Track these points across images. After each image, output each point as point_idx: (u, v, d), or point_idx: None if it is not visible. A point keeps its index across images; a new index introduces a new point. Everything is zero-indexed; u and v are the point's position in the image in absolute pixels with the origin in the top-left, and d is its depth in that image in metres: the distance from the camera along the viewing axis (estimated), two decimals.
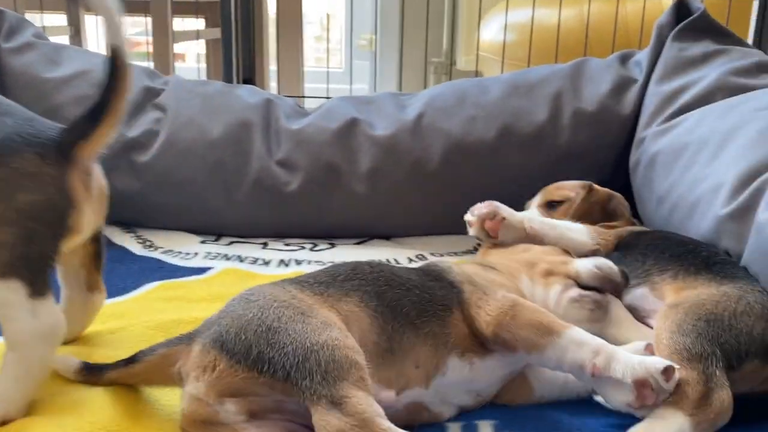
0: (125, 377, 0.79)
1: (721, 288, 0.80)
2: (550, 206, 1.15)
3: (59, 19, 2.74)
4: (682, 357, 0.72)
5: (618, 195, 1.17)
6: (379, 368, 0.70)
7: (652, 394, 0.68)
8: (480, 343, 0.78)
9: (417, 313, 0.75)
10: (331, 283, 0.76)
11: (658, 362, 0.69)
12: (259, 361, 0.65)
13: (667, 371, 0.68)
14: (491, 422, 0.77)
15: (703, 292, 0.80)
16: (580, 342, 0.72)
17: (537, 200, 1.19)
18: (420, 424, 0.76)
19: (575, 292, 0.87)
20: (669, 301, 0.81)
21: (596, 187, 1.16)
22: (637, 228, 1.10)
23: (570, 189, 1.16)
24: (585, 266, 0.88)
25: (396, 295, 0.75)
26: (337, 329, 0.68)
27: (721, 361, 0.71)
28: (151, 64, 2.37)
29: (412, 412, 0.75)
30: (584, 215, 1.08)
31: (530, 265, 0.91)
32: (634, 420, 0.72)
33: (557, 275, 0.89)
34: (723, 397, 0.70)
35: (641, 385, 0.67)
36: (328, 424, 0.61)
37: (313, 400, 0.63)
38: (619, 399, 0.69)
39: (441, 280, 0.81)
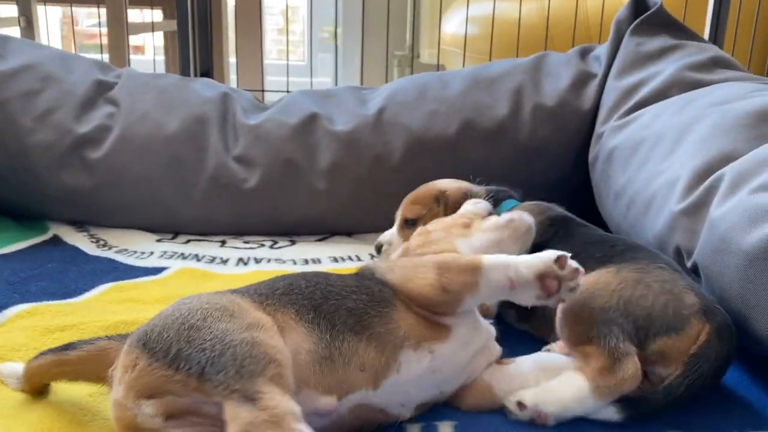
0: (53, 365, 0.75)
1: (619, 274, 0.81)
2: (407, 223, 1.16)
3: (9, 10, 2.64)
4: (582, 341, 0.77)
5: (470, 189, 1.15)
6: (319, 376, 0.69)
7: (554, 282, 0.74)
8: (434, 327, 0.77)
9: (356, 319, 0.74)
10: (270, 295, 0.74)
11: (551, 254, 0.75)
12: (176, 358, 0.64)
13: (560, 260, 0.74)
14: (451, 423, 0.77)
15: (600, 280, 0.81)
16: (494, 264, 0.77)
17: (398, 217, 1.20)
18: (378, 426, 0.74)
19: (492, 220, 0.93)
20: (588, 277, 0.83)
21: (447, 191, 1.15)
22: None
23: (423, 204, 1.16)
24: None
25: (332, 306, 0.74)
26: (263, 329, 0.67)
27: (623, 336, 0.75)
28: (106, 57, 2.31)
29: (362, 416, 0.73)
30: None
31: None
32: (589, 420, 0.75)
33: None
34: (627, 367, 0.74)
35: (542, 276, 0.74)
36: (237, 417, 0.60)
37: (225, 395, 0.61)
38: (530, 296, 0.75)
39: (373, 279, 0.81)
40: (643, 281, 0.79)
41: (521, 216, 0.92)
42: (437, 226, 0.96)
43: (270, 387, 0.62)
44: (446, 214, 1.13)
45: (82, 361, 0.74)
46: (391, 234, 1.20)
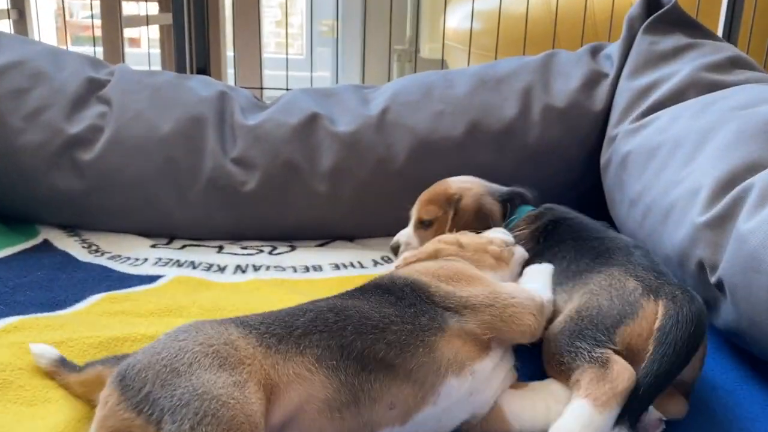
0: (77, 384, 0.77)
1: (587, 287, 0.81)
2: (423, 224, 1.14)
3: (0, 2, 2.58)
4: (565, 372, 0.75)
5: (484, 197, 1.11)
6: (338, 423, 0.63)
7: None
8: (477, 344, 0.72)
9: (396, 353, 0.67)
10: (286, 337, 0.66)
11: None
12: (143, 401, 0.60)
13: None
14: None
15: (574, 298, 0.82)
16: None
17: (413, 216, 1.17)
18: None
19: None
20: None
21: (462, 197, 1.11)
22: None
23: (439, 206, 1.13)
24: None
25: (367, 342, 0.67)
26: (244, 393, 0.60)
27: (592, 343, 0.74)
28: (100, 50, 2.25)
29: None
30: (460, 229, 1.03)
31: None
32: None
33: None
34: (614, 367, 0.72)
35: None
36: None
37: None
38: None
39: (420, 302, 0.73)
40: (586, 291, 0.80)
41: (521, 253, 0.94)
42: (470, 242, 0.92)
43: None
44: (455, 218, 1.10)
45: (85, 384, 0.75)
46: (407, 234, 1.16)
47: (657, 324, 0.74)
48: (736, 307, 0.83)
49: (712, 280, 0.87)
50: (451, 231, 1.05)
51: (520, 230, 1.03)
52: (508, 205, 1.10)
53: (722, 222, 0.87)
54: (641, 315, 0.75)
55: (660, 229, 1.01)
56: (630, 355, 0.74)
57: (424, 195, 1.16)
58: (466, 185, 1.14)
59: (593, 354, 0.73)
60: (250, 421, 0.59)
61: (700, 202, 0.92)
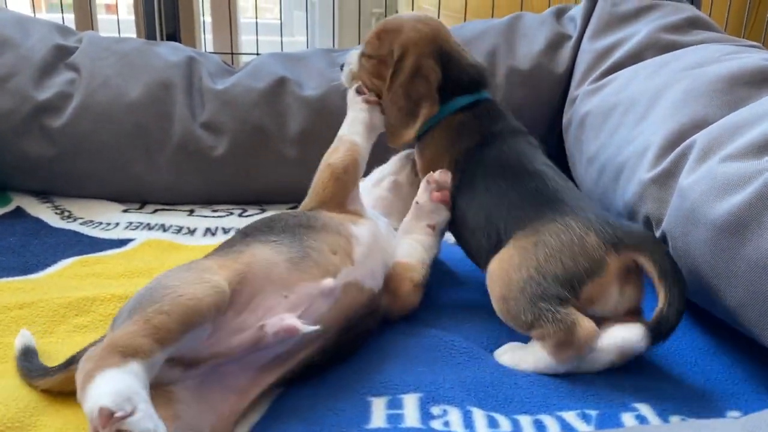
0: (63, 384, 0.73)
1: (516, 247, 0.81)
2: (366, 56, 1.02)
3: None
4: (528, 327, 0.79)
5: (425, 59, 0.96)
6: (306, 271, 0.76)
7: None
8: (351, 213, 0.92)
9: (305, 224, 0.84)
10: (231, 247, 0.79)
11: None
12: (118, 316, 0.67)
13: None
14: (416, 395, 0.76)
15: (504, 260, 0.82)
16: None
17: (364, 40, 1.04)
18: (359, 315, 0.81)
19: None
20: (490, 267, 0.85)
21: (408, 51, 0.96)
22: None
23: (384, 48, 0.99)
24: None
25: (284, 225, 0.83)
26: (201, 270, 0.69)
27: (554, 303, 0.76)
28: (71, 18, 2.23)
29: (350, 295, 0.80)
30: (395, 89, 0.96)
31: None
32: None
33: None
34: (579, 330, 0.75)
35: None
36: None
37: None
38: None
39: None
40: (540, 242, 0.79)
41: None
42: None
43: (130, 325, 0.62)
44: (393, 77, 0.97)
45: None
46: (353, 57, 1.05)
47: (656, 272, 0.75)
48: (677, 258, 0.86)
49: (657, 233, 0.90)
50: (388, 90, 0.96)
51: (438, 136, 0.96)
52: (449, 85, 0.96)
53: (667, 178, 0.90)
54: (607, 271, 0.76)
55: (613, 186, 1.04)
56: (589, 303, 0.77)
57: (379, 26, 1.01)
58: (420, 34, 0.97)
59: (557, 316, 0.76)
60: (198, 298, 0.66)
61: (648, 159, 0.95)
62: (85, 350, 0.70)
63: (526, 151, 0.92)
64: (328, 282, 0.77)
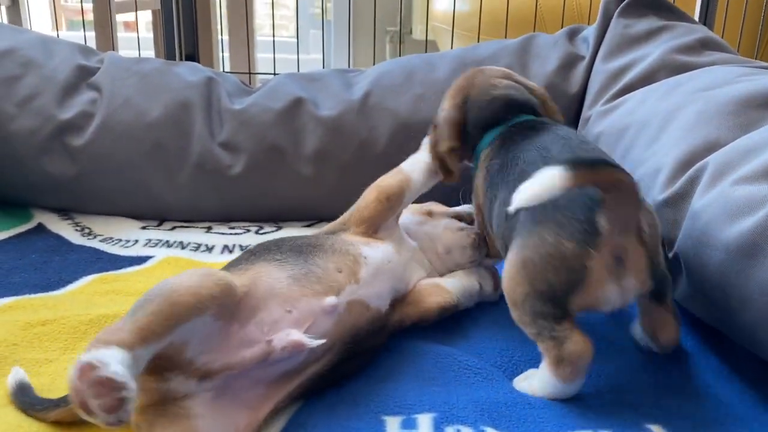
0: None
1: (509, 261, 0.80)
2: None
3: None
4: (530, 333, 0.79)
5: (454, 110, 1.01)
6: (308, 287, 0.78)
7: None
8: (373, 237, 0.94)
9: (314, 244, 0.86)
10: (237, 264, 0.83)
11: None
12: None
13: None
14: (430, 415, 0.77)
15: (508, 265, 0.81)
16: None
17: None
18: (365, 332, 0.83)
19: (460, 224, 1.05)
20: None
21: (445, 104, 1.04)
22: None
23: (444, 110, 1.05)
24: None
25: (291, 245, 0.86)
26: (201, 277, 0.71)
27: (549, 320, 0.75)
28: (92, 36, 2.28)
29: (355, 312, 0.81)
30: (438, 151, 1.01)
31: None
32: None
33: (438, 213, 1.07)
34: (572, 348, 0.75)
35: None
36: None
37: None
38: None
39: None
40: (527, 261, 0.76)
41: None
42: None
43: (121, 321, 0.67)
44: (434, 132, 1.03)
45: None
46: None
47: (646, 267, 0.74)
48: (689, 279, 0.87)
49: (670, 255, 0.91)
50: (433, 149, 1.01)
51: (477, 176, 0.97)
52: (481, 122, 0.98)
53: (680, 200, 0.91)
54: (590, 277, 0.73)
55: None
56: (594, 309, 0.77)
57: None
58: (457, 83, 1.04)
59: (553, 333, 0.75)
60: (193, 293, 0.69)
61: (660, 181, 0.96)
62: None
63: (527, 148, 0.88)
64: (331, 299, 0.78)
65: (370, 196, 0.98)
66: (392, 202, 0.96)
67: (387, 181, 0.99)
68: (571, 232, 0.73)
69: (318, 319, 0.77)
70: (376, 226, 0.95)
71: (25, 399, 0.76)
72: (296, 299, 0.76)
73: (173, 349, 0.67)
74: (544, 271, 0.75)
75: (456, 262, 1.01)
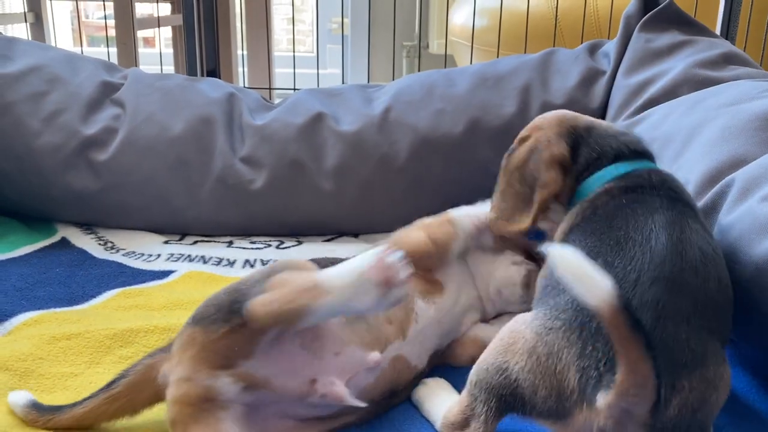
0: (105, 403, 0.74)
1: (527, 330, 0.68)
2: None
3: (18, 5, 2.65)
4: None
5: (539, 152, 0.84)
6: (358, 335, 0.75)
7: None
8: (430, 283, 0.88)
9: None
10: None
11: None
12: (228, 309, 0.68)
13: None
14: None
15: (513, 335, 0.70)
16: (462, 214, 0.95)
17: None
18: (403, 387, 0.81)
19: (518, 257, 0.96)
20: None
21: (520, 145, 0.89)
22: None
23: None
24: None
25: None
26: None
27: (489, 404, 0.67)
28: (114, 51, 2.31)
29: (397, 369, 0.79)
30: (510, 197, 0.86)
31: None
32: None
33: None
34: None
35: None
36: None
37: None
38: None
39: None
40: (535, 352, 0.65)
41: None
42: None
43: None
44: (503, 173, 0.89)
45: (134, 387, 0.74)
46: None
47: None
48: None
49: None
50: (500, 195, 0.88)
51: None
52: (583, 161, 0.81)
53: (706, 216, 0.90)
54: (571, 419, 0.62)
55: None
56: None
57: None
58: (540, 123, 0.88)
59: (476, 408, 0.67)
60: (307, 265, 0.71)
61: None
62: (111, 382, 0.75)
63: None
64: (375, 355, 0.75)
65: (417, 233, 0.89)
66: (438, 247, 0.89)
67: (432, 229, 0.90)
68: (580, 370, 0.62)
69: (360, 374, 0.74)
70: (426, 269, 0.88)
71: (39, 405, 0.76)
72: (345, 344, 0.74)
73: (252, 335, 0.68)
74: (535, 379, 0.65)
75: (507, 302, 0.94)
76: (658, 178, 0.77)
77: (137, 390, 0.74)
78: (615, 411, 0.58)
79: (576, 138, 0.83)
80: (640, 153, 0.82)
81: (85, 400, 0.75)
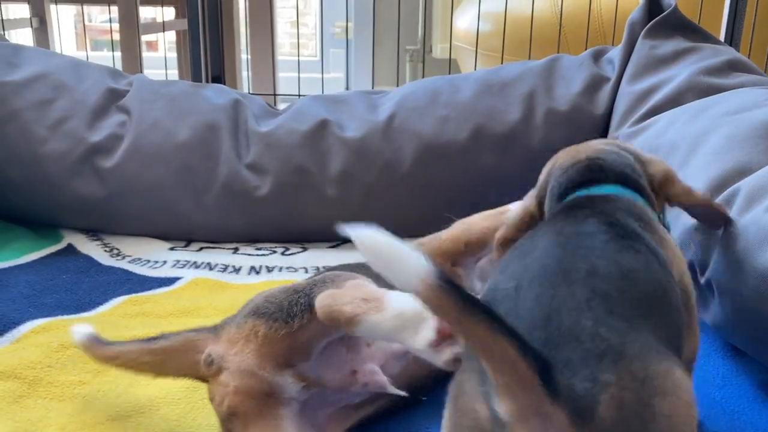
0: (142, 353, 0.76)
1: None
2: None
3: (22, 10, 2.66)
4: None
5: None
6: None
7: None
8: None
9: None
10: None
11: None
12: (289, 307, 0.69)
13: None
14: None
15: None
16: None
17: None
18: (423, 382, 0.78)
19: None
20: None
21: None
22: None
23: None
24: None
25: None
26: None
27: None
28: (119, 54, 2.32)
29: (420, 362, 0.71)
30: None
31: None
32: None
33: None
34: None
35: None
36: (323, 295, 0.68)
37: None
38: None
39: None
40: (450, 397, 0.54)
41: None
42: None
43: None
44: None
45: (168, 352, 0.75)
46: None
47: None
48: (722, 305, 0.86)
49: (702, 280, 0.90)
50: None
51: None
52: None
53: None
54: None
55: None
56: None
57: None
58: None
59: None
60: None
61: None
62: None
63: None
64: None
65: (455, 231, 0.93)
66: (468, 247, 0.92)
67: (469, 227, 0.93)
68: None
69: (389, 362, 0.75)
70: (453, 260, 0.92)
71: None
72: None
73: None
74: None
75: None
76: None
77: (169, 356, 0.75)
78: (523, 417, 0.46)
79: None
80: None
81: (129, 342, 0.78)
